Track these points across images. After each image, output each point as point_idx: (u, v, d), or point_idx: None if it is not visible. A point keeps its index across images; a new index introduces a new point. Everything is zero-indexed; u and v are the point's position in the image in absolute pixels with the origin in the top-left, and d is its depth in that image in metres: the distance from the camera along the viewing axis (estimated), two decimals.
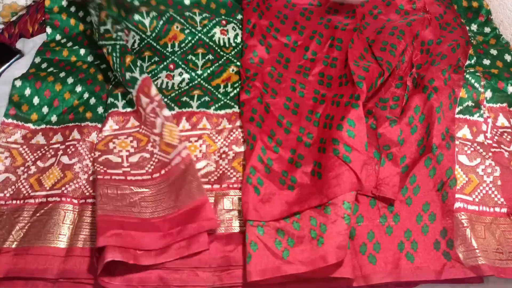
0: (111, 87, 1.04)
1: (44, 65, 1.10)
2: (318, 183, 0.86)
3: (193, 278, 0.81)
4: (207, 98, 1.04)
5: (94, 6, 1.07)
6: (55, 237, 0.83)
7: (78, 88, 1.05)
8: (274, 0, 1.22)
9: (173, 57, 1.11)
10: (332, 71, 1.06)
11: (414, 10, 1.18)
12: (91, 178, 0.91)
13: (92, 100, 1.04)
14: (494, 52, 1.14)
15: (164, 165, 0.91)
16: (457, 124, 0.97)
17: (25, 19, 1.17)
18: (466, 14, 1.23)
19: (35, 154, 0.95)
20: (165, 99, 1.02)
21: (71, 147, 0.94)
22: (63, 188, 0.89)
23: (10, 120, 0.99)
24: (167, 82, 1.07)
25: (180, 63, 1.11)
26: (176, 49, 1.13)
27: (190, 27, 1.15)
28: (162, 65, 1.10)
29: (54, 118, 1.02)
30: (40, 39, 1.17)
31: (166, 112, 0.95)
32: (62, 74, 1.06)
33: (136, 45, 1.12)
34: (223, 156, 0.95)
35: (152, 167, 0.91)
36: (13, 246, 0.83)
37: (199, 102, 1.03)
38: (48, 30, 1.17)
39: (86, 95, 1.04)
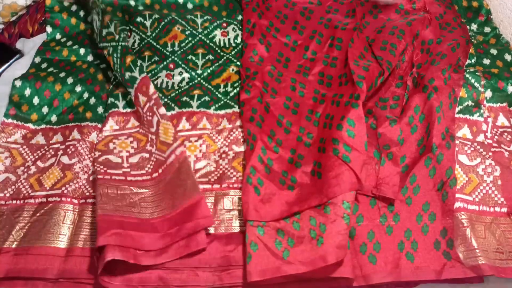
0: (111, 87, 1.04)
1: (44, 65, 1.10)
2: (318, 183, 0.86)
3: (193, 278, 0.81)
4: (207, 98, 1.03)
5: (98, 11, 1.07)
6: (55, 237, 0.83)
7: (78, 88, 1.04)
8: (274, 0, 1.23)
9: (173, 56, 1.11)
10: (332, 70, 1.06)
11: (414, 9, 1.18)
12: (91, 178, 0.91)
13: (92, 100, 1.04)
14: (494, 51, 1.14)
15: (161, 163, 0.91)
16: (457, 123, 0.97)
17: (25, 19, 1.17)
18: (466, 14, 1.23)
19: (35, 154, 0.95)
20: (165, 99, 1.02)
21: (71, 147, 0.94)
22: (63, 188, 0.89)
23: (10, 120, 0.99)
24: (167, 82, 1.07)
25: (180, 62, 1.10)
26: (176, 48, 1.12)
27: (191, 29, 1.15)
28: (162, 65, 1.09)
29: (54, 118, 1.02)
30: (40, 39, 1.17)
31: (162, 110, 0.95)
32: (62, 74, 1.06)
33: (136, 44, 1.12)
34: (223, 156, 0.95)
35: (152, 166, 0.91)
36: (13, 246, 0.83)
37: (199, 102, 1.03)
38: (48, 29, 1.17)
39: (86, 95, 1.04)
